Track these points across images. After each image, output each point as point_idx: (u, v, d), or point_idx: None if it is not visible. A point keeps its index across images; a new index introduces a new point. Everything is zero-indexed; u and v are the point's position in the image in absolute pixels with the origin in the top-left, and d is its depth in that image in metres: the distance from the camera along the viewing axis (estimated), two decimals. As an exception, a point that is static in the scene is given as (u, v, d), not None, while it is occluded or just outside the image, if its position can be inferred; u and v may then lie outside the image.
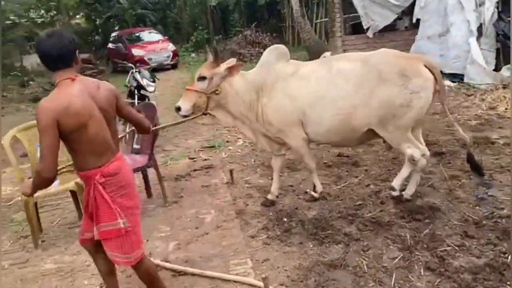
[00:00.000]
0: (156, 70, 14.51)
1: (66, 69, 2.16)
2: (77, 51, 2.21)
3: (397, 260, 2.91)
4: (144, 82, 6.85)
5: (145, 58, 15.16)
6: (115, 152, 2.30)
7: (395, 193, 3.72)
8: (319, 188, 3.93)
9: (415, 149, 3.46)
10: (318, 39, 13.71)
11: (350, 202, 3.84)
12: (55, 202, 4.50)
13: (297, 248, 3.21)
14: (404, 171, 3.69)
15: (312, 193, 3.95)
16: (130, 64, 7.56)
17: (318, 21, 16.13)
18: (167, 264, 3.10)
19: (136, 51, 15.63)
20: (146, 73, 7.06)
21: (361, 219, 3.51)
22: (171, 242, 3.49)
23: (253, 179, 4.67)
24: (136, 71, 6.99)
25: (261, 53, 17.14)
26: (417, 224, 3.32)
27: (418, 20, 9.16)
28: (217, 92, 3.52)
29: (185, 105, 3.55)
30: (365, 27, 10.19)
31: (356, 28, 11.23)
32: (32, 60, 18.61)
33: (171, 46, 16.47)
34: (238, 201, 4.13)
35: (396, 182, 3.73)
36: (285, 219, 3.66)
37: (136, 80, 6.89)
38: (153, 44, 16.29)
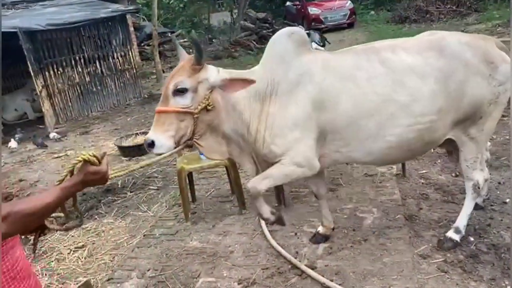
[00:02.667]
0: (330, 30, 13.90)
1: None
2: None
3: None
4: (312, 45, 6.31)
5: (321, 17, 14.90)
6: None
7: (456, 237, 2.77)
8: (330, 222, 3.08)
9: (481, 173, 2.72)
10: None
11: None
12: (212, 169, 4.43)
13: (486, 286, 2.39)
14: (469, 205, 2.78)
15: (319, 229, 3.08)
16: (299, 26, 7.12)
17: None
18: (314, 274, 2.61)
19: (312, 10, 15.30)
20: (316, 35, 6.50)
21: None
22: (321, 242, 2.99)
23: (431, 173, 3.79)
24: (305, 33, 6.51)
25: (454, 11, 14.71)
26: None
27: None
28: (209, 107, 2.36)
29: (161, 139, 2.27)
30: None
31: None
32: (219, 18, 19.86)
33: (348, 4, 15.60)
34: (409, 202, 3.36)
35: (461, 222, 2.79)
36: (472, 239, 2.81)
37: (304, 43, 6.41)
38: (330, 1, 15.59)
